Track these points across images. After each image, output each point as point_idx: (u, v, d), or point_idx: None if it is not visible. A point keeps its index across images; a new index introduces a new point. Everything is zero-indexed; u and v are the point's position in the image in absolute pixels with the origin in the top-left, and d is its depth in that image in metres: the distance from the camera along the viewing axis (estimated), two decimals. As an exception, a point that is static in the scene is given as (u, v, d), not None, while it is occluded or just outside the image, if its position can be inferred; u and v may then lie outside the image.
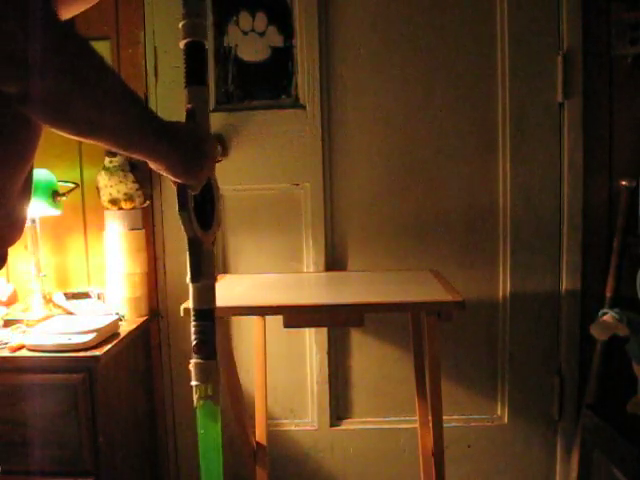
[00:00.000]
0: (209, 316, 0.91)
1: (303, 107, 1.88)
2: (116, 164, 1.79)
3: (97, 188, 1.83)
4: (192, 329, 0.91)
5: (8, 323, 1.73)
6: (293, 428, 1.98)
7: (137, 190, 1.82)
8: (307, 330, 1.94)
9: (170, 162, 0.83)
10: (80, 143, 1.85)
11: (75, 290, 1.88)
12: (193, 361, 0.90)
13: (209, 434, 0.89)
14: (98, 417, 1.50)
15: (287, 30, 1.87)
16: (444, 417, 1.42)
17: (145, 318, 1.85)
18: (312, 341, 1.94)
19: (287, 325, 1.44)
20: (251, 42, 1.88)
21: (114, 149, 0.79)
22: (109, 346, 1.55)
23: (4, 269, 1.93)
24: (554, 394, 1.91)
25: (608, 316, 1.55)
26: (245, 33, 1.88)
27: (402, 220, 1.90)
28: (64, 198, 1.79)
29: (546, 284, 1.89)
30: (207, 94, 0.97)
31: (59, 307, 1.81)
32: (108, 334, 1.62)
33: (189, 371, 0.92)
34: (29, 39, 0.59)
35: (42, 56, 0.61)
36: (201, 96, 0.94)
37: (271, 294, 1.57)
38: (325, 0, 1.86)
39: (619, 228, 1.77)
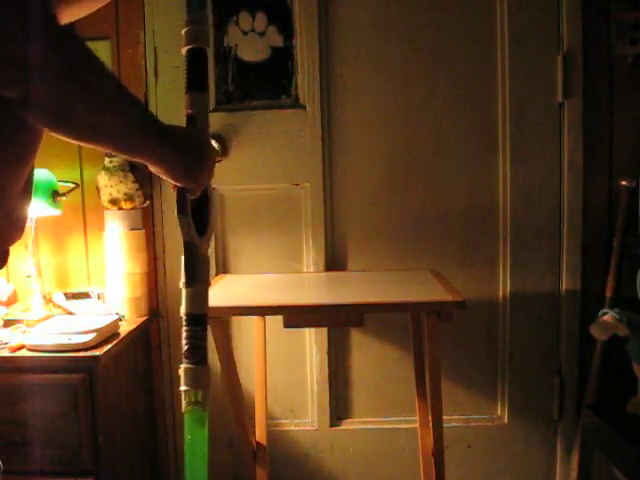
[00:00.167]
0: (201, 321, 0.91)
1: (303, 107, 1.88)
2: (116, 164, 1.79)
3: (97, 188, 1.83)
4: (183, 334, 0.90)
5: (8, 323, 1.73)
6: (293, 428, 1.98)
7: (137, 190, 1.82)
8: (307, 330, 1.94)
9: (170, 165, 0.83)
10: (80, 143, 1.85)
11: (75, 290, 1.88)
12: (183, 366, 0.90)
13: (195, 440, 0.89)
14: (98, 417, 1.50)
15: (287, 30, 1.87)
16: (444, 417, 1.42)
17: (145, 318, 1.85)
18: (312, 341, 1.94)
19: (287, 325, 1.44)
20: (251, 42, 1.88)
21: (114, 153, 0.80)
22: (109, 346, 1.55)
23: (4, 269, 1.94)
24: (554, 394, 1.91)
25: (608, 316, 1.55)
26: (245, 33, 1.88)
27: (402, 220, 1.90)
28: (64, 198, 1.79)
29: (546, 284, 1.89)
30: (208, 100, 0.97)
31: (59, 307, 1.81)
32: (108, 334, 1.62)
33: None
34: (28, 43, 0.60)
35: (42, 60, 0.61)
36: (202, 102, 0.94)
37: (271, 294, 1.57)
38: (325, 0, 1.86)
39: (619, 228, 1.77)
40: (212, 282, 1.52)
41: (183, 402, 0.89)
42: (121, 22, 1.87)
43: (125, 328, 1.72)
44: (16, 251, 1.86)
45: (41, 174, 1.72)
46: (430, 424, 1.43)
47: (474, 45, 1.86)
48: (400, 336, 1.91)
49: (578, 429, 1.78)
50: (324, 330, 1.92)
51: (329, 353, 1.94)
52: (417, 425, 1.77)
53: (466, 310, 1.32)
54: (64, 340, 1.51)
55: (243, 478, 1.75)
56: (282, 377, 1.96)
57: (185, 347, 0.90)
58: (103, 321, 1.63)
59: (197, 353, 0.90)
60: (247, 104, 1.90)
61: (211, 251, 1.85)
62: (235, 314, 1.72)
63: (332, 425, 1.97)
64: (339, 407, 1.98)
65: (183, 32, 0.95)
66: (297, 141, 1.89)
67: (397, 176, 1.90)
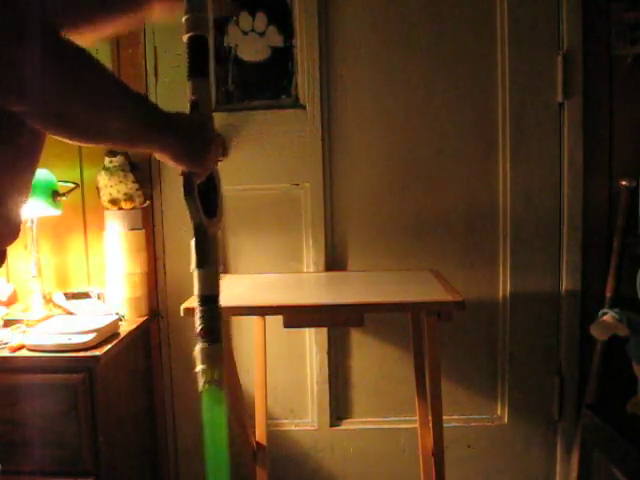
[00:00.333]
0: (214, 302, 0.93)
1: (303, 107, 1.88)
2: (116, 164, 1.79)
3: (97, 188, 1.83)
4: (197, 315, 0.92)
5: (8, 323, 1.73)
6: (293, 428, 1.98)
7: (137, 190, 1.82)
8: (307, 330, 1.94)
9: (174, 151, 0.85)
10: (80, 143, 1.85)
11: (75, 290, 1.88)
12: (198, 346, 0.92)
13: (215, 418, 0.90)
14: (98, 417, 1.50)
15: (287, 30, 1.87)
16: (444, 417, 1.42)
17: (145, 318, 1.85)
18: (312, 341, 1.94)
19: (287, 325, 1.44)
20: (251, 42, 1.88)
21: (118, 148, 0.81)
22: (109, 346, 1.55)
23: (4, 269, 1.94)
24: (554, 394, 1.91)
25: (608, 316, 1.55)
26: (245, 33, 1.88)
27: (402, 220, 1.90)
28: (64, 198, 1.79)
29: (546, 284, 1.89)
30: (209, 86, 0.98)
31: (59, 307, 1.81)
32: (108, 334, 1.62)
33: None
34: (28, 52, 0.60)
35: (41, 69, 0.62)
36: (204, 88, 0.95)
37: (271, 294, 1.57)
38: (325, 0, 1.86)
39: (619, 228, 1.77)
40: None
41: (200, 381, 0.90)
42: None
43: (125, 328, 1.72)
44: (16, 251, 1.86)
45: (41, 174, 1.72)
46: (430, 424, 1.43)
47: (474, 45, 1.86)
48: (400, 336, 1.91)
49: (578, 429, 1.78)
50: (324, 330, 1.92)
51: (329, 353, 1.94)
52: (417, 425, 1.77)
53: (466, 310, 1.32)
54: (64, 340, 1.51)
55: (243, 478, 1.75)
56: (282, 377, 1.96)
57: (199, 327, 0.91)
58: (103, 321, 1.63)
59: (211, 333, 0.91)
60: (247, 104, 1.90)
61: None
62: (235, 314, 1.72)
63: (332, 425, 1.97)
64: (339, 407, 1.98)
65: (183, 20, 0.96)
66: (297, 141, 1.89)
67: (397, 176, 1.90)
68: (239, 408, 1.63)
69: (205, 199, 0.93)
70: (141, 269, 1.85)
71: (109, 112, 0.73)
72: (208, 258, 0.92)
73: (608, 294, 1.76)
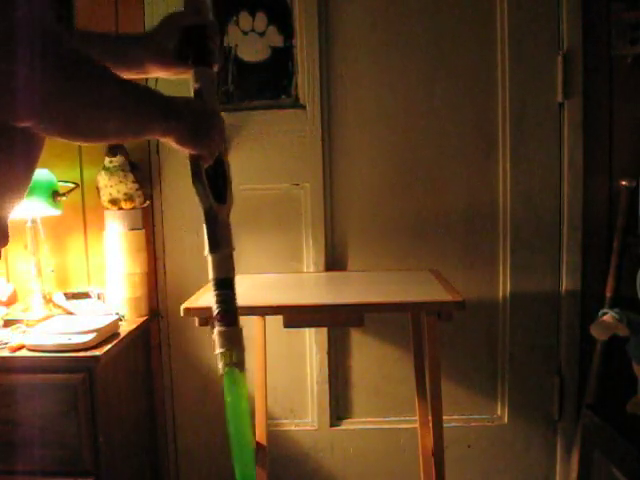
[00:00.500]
0: (229, 285, 0.93)
1: (303, 107, 1.88)
2: (116, 164, 1.79)
3: (97, 188, 1.83)
4: (214, 299, 0.92)
5: (8, 323, 1.73)
6: (293, 428, 1.98)
7: (137, 190, 1.82)
8: (307, 330, 1.94)
9: (179, 136, 0.85)
10: (80, 143, 1.85)
11: (75, 290, 1.88)
12: (216, 329, 0.91)
13: (236, 401, 0.90)
14: (98, 417, 1.50)
15: (287, 30, 1.87)
16: (444, 417, 1.42)
17: (145, 318, 1.85)
18: (312, 341, 1.94)
19: (287, 325, 1.44)
20: (251, 42, 1.88)
21: (122, 141, 0.82)
22: (109, 346, 1.55)
23: (4, 269, 1.94)
24: (554, 394, 1.91)
25: (608, 316, 1.55)
26: (245, 33, 1.88)
27: (402, 220, 1.90)
28: (64, 198, 1.79)
29: (546, 284, 1.89)
30: (213, 74, 0.97)
31: (59, 307, 1.81)
32: (108, 334, 1.62)
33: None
34: (29, 71, 0.61)
35: (46, 85, 0.63)
36: (207, 76, 0.95)
37: (271, 294, 1.57)
38: (325, 0, 1.86)
39: (619, 228, 1.77)
40: (210, 285, 1.52)
41: (219, 365, 0.90)
42: (121, 22, 1.86)
43: (125, 328, 1.72)
44: (16, 251, 1.86)
45: (41, 174, 1.72)
46: (430, 424, 1.43)
47: (474, 45, 1.86)
48: (400, 336, 1.91)
49: (578, 429, 1.78)
50: (324, 330, 1.92)
51: (329, 353, 1.94)
52: (417, 425, 1.76)
53: (466, 310, 1.32)
54: (64, 340, 1.51)
55: None
56: (282, 377, 1.96)
57: (216, 311, 0.91)
58: (103, 321, 1.63)
59: (228, 315, 0.91)
60: (247, 104, 1.90)
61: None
62: (235, 314, 1.72)
63: (332, 425, 1.97)
64: (339, 407, 1.98)
65: (184, 8, 0.97)
66: (297, 141, 1.89)
67: (397, 176, 1.90)
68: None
69: (214, 185, 0.92)
70: (141, 269, 1.85)
71: (113, 113, 0.74)
72: (220, 242, 0.92)
73: (608, 294, 1.76)
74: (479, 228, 1.90)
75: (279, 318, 1.43)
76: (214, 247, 0.91)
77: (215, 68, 0.97)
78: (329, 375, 1.94)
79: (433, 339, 1.36)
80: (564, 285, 1.87)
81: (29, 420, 1.49)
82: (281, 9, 1.87)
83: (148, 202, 1.88)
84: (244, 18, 1.87)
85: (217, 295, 0.92)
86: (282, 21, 1.87)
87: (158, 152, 1.90)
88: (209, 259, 0.92)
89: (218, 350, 0.90)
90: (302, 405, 1.98)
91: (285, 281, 1.74)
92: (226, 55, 1.89)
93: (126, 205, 1.81)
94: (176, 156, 1.88)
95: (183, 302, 1.40)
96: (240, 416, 0.90)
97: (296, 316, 1.44)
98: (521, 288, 1.89)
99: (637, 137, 1.82)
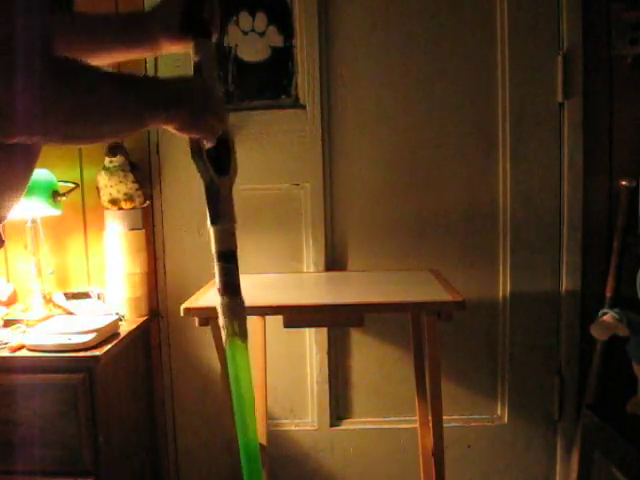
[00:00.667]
0: (231, 258, 0.95)
1: (303, 107, 1.88)
2: (116, 164, 1.79)
3: (97, 188, 1.83)
4: (216, 271, 0.93)
5: (8, 323, 1.73)
6: (293, 428, 1.98)
7: (137, 190, 1.82)
8: (307, 330, 1.94)
9: (181, 123, 0.85)
10: (80, 143, 1.85)
11: (75, 290, 1.88)
12: (219, 301, 0.93)
13: (239, 371, 0.91)
14: (98, 417, 1.50)
15: (287, 30, 1.87)
16: (444, 417, 1.42)
17: (145, 318, 1.85)
18: (312, 341, 1.94)
19: (287, 325, 1.44)
20: (251, 42, 1.88)
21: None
22: (109, 346, 1.55)
23: (4, 269, 1.94)
24: (554, 394, 1.91)
25: (608, 316, 1.55)
26: (245, 33, 1.88)
27: (402, 220, 1.90)
28: (64, 198, 1.79)
29: (546, 284, 1.89)
30: (212, 47, 0.95)
31: (59, 307, 1.81)
32: (108, 334, 1.62)
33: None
34: (24, 87, 0.61)
35: (42, 100, 0.64)
36: (206, 48, 0.93)
37: (271, 294, 1.57)
38: (325, 0, 1.86)
39: (619, 228, 1.77)
40: (210, 285, 1.52)
41: (223, 335, 0.91)
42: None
43: (125, 328, 1.72)
44: (16, 251, 1.86)
45: (41, 174, 1.72)
46: (430, 424, 1.43)
47: (474, 45, 1.86)
48: (400, 336, 1.91)
49: (578, 429, 1.78)
50: (324, 330, 1.92)
51: (329, 353, 1.94)
52: (417, 425, 1.76)
53: (466, 310, 1.32)
54: (64, 340, 1.51)
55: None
56: (282, 377, 1.96)
57: (218, 283, 0.93)
58: (103, 321, 1.63)
59: (230, 287, 0.94)
60: (247, 104, 1.90)
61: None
62: (235, 314, 1.72)
63: (332, 425, 1.97)
64: (339, 407, 1.98)
65: None
66: (297, 141, 1.89)
67: (397, 176, 1.90)
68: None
69: (217, 157, 0.92)
70: (141, 269, 1.85)
71: (113, 114, 0.74)
72: (222, 214, 0.92)
73: (608, 294, 1.76)
74: (479, 228, 1.90)
75: (279, 318, 1.43)
76: (215, 219, 0.92)
77: (214, 38, 0.95)
78: (329, 375, 1.94)
79: (433, 339, 1.36)
80: (564, 285, 1.87)
81: (29, 420, 1.49)
82: (281, 9, 1.87)
83: (148, 202, 1.88)
84: (244, 18, 1.87)
85: (219, 268, 0.93)
86: (282, 21, 1.87)
87: (158, 152, 1.90)
88: (211, 232, 0.92)
89: (220, 321, 0.92)
90: (302, 405, 1.98)
91: (285, 281, 1.74)
92: (226, 55, 1.89)
93: (126, 205, 1.81)
94: (176, 156, 1.88)
95: (183, 302, 1.40)
96: (244, 386, 0.91)
97: (296, 316, 1.44)
98: (521, 288, 1.89)
99: (637, 137, 1.82)
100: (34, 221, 1.78)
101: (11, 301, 1.89)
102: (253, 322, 1.70)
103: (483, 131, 1.88)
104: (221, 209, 0.92)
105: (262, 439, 1.69)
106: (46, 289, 1.82)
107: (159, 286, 1.94)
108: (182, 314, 1.36)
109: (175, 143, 1.84)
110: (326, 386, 1.95)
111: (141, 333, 1.84)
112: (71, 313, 1.79)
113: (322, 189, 1.89)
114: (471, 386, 1.96)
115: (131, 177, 1.80)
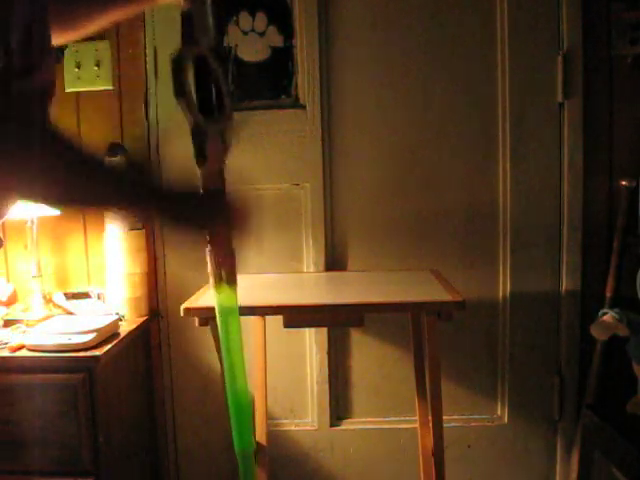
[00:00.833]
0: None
1: (303, 107, 1.88)
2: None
3: (97, 188, 1.83)
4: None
5: (8, 323, 1.73)
6: (293, 428, 1.98)
7: (137, 190, 1.81)
8: (307, 330, 1.94)
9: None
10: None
11: (75, 290, 1.88)
12: (207, 249, 0.93)
13: (227, 317, 0.94)
14: (98, 417, 1.50)
15: (287, 30, 1.87)
16: (444, 417, 1.42)
17: (145, 318, 1.85)
18: (312, 341, 1.94)
19: (287, 325, 1.44)
20: (251, 42, 1.88)
21: None
22: (109, 346, 1.55)
23: (4, 269, 1.94)
24: (554, 394, 1.91)
25: (608, 316, 1.55)
26: (245, 33, 1.88)
27: (402, 220, 1.90)
28: (64, 198, 1.79)
29: (546, 284, 1.89)
30: (208, 7, 0.85)
31: (59, 307, 1.81)
32: (108, 334, 1.62)
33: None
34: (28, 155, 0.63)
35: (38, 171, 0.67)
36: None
37: (271, 294, 1.57)
38: (325, 0, 1.86)
39: (619, 228, 1.77)
40: (209, 286, 1.52)
41: (211, 282, 0.93)
42: (121, 22, 1.86)
43: (125, 328, 1.72)
44: (16, 251, 1.86)
45: (41, 174, 1.72)
46: (430, 424, 1.43)
47: (474, 45, 1.86)
48: (400, 336, 1.91)
49: (578, 429, 1.78)
50: (324, 330, 1.92)
51: (329, 353, 1.94)
52: (417, 425, 1.76)
53: (466, 310, 1.32)
54: (64, 340, 1.51)
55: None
56: (282, 377, 1.96)
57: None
58: (103, 321, 1.63)
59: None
60: (247, 104, 1.90)
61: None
62: (235, 314, 1.72)
63: (332, 425, 1.97)
64: (339, 407, 1.98)
65: None
66: (297, 141, 1.89)
67: (397, 176, 1.90)
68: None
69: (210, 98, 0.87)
70: (141, 269, 1.85)
71: (108, 199, 0.78)
72: (205, 153, 0.88)
73: (608, 294, 1.76)
74: (479, 228, 1.90)
75: (279, 318, 1.43)
76: (199, 159, 0.87)
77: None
78: (329, 375, 1.94)
79: (433, 339, 1.36)
80: (564, 285, 1.87)
81: (29, 420, 1.49)
82: (281, 9, 1.87)
83: (148, 202, 1.88)
84: (244, 18, 1.87)
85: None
86: (282, 21, 1.87)
87: (158, 152, 1.90)
88: (198, 172, 0.88)
89: (209, 269, 0.92)
90: (302, 405, 1.98)
91: (285, 281, 1.74)
92: (226, 55, 1.89)
93: (126, 205, 1.81)
94: (176, 156, 1.88)
95: (183, 302, 1.40)
96: (233, 335, 0.92)
97: (296, 316, 1.44)
98: (521, 288, 1.89)
99: (637, 137, 1.82)
100: (34, 221, 1.78)
101: (11, 301, 1.89)
102: (253, 322, 1.70)
103: (483, 131, 1.88)
104: (205, 149, 0.86)
105: (262, 439, 1.69)
106: (46, 289, 1.82)
107: (159, 286, 1.94)
108: (182, 314, 1.36)
109: (175, 143, 1.84)
110: (326, 386, 1.95)
111: (141, 333, 1.84)
112: (71, 313, 1.79)
113: (322, 189, 1.89)
114: (471, 386, 1.96)
115: (131, 177, 1.80)
